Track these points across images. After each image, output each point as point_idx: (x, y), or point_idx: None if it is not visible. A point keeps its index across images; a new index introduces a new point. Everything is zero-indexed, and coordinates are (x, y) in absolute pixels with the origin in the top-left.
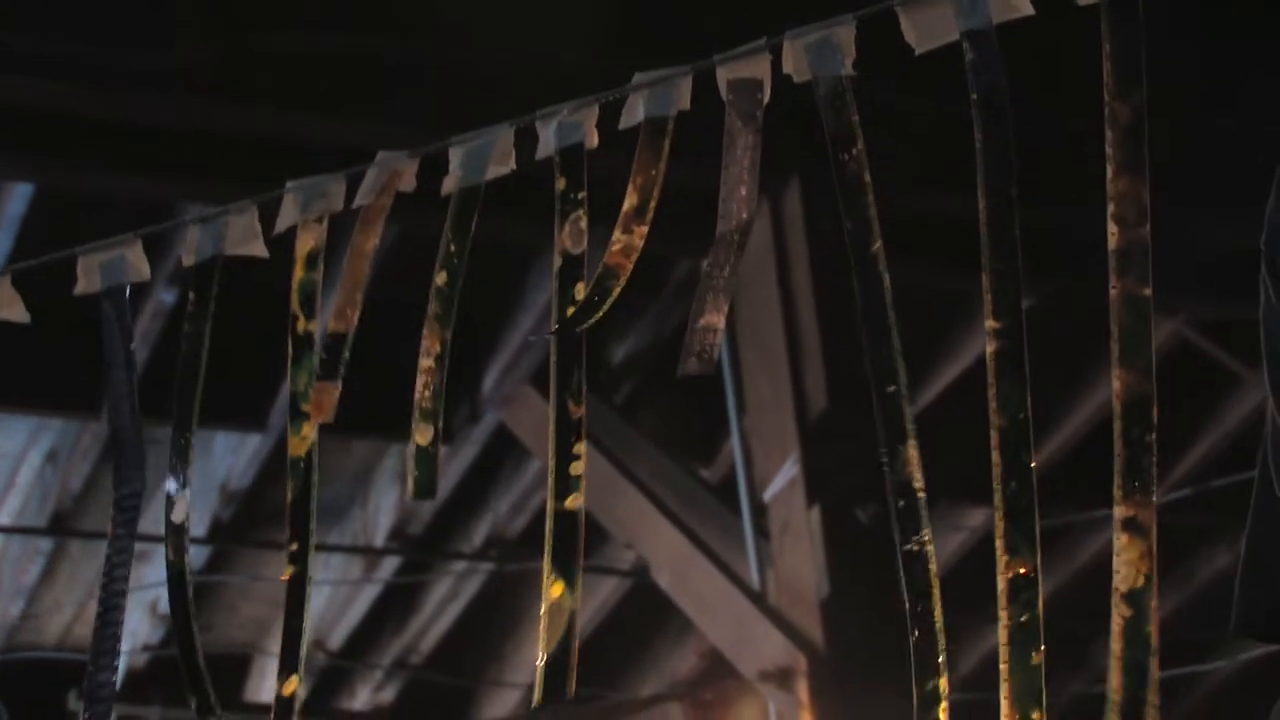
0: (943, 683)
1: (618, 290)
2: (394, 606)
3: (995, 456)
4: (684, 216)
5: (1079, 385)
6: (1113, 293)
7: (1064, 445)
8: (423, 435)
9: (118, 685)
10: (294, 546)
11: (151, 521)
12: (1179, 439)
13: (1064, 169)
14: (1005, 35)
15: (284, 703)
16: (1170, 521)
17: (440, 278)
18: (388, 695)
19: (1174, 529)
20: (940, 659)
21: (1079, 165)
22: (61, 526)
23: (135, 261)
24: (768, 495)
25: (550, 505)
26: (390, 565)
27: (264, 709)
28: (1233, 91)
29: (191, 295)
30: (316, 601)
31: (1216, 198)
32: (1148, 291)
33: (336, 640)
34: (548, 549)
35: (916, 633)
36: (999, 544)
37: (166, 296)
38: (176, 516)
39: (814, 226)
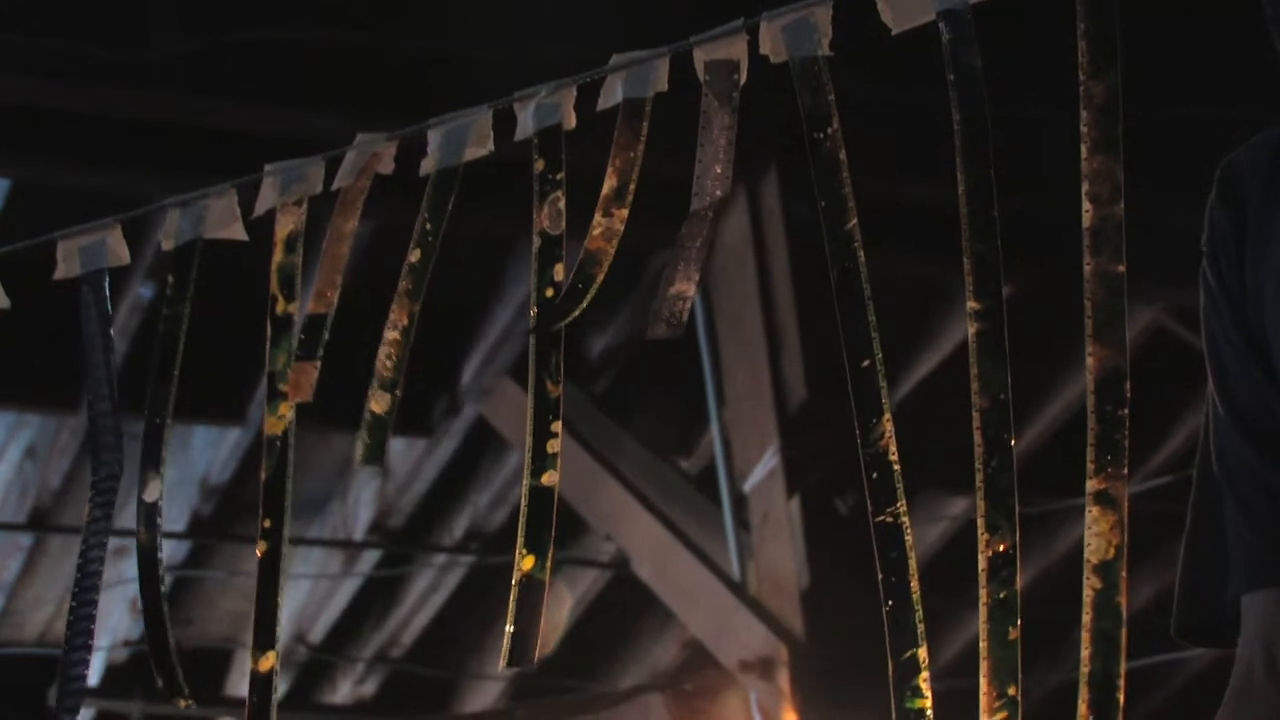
0: (922, 652)
1: (601, 276)
2: (374, 600)
3: (977, 436)
4: (662, 210)
5: (1056, 375)
6: (1086, 270)
7: (1041, 434)
8: (378, 404)
9: (97, 680)
10: (268, 523)
11: (131, 517)
12: (1158, 427)
13: (1040, 153)
14: (981, 16)
15: (261, 679)
16: (1148, 510)
17: (414, 255)
18: (369, 688)
19: (1152, 517)
20: (919, 629)
21: (1055, 148)
22: (41, 522)
23: (115, 246)
24: (747, 486)
25: (526, 482)
26: (370, 558)
27: (244, 703)
28: (1213, 79)
29: (170, 278)
30: (296, 595)
31: (1195, 186)
32: (1121, 268)
33: (317, 634)
34: (522, 523)
35: (890, 603)
36: (980, 522)
37: (144, 291)
38: (149, 495)
39: (792, 218)
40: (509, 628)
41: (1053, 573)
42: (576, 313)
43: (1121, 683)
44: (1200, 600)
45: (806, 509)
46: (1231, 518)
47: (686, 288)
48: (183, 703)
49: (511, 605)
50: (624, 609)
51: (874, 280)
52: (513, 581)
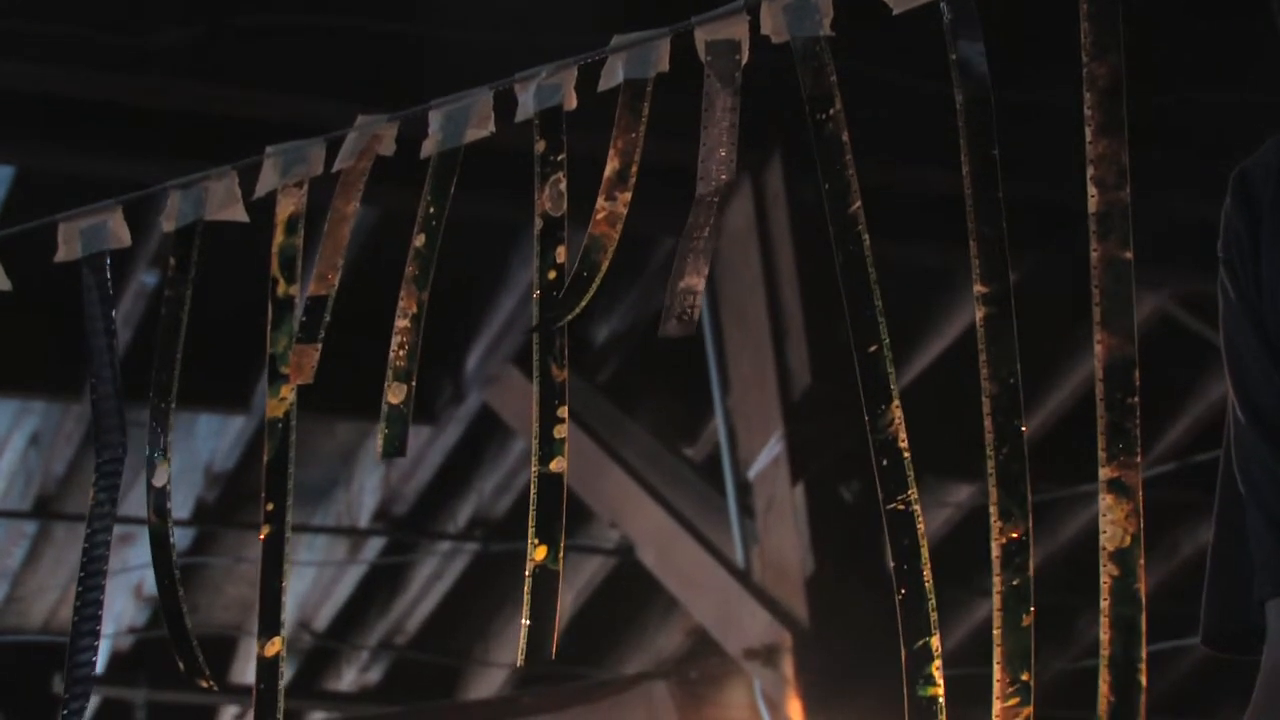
0: (934, 640)
1: (606, 264)
2: (379, 587)
3: (987, 423)
4: (666, 194)
5: (1062, 362)
6: (1093, 256)
7: (1047, 422)
8: (395, 395)
9: (101, 667)
10: (270, 506)
11: (134, 504)
12: (1163, 413)
13: (1045, 138)
14: None
15: (267, 664)
16: (1154, 496)
17: (419, 240)
18: (374, 676)
19: (1158, 503)
20: (932, 616)
21: (1060, 134)
22: (45, 509)
23: (116, 228)
24: (752, 473)
25: (534, 468)
26: (375, 546)
27: (250, 690)
28: (1217, 64)
29: (172, 261)
30: (301, 583)
31: (1201, 171)
32: (1129, 254)
33: (322, 621)
34: (532, 511)
35: (903, 591)
36: (992, 510)
37: (148, 279)
38: (158, 480)
39: (796, 203)
40: (525, 621)
41: (1059, 559)
42: (584, 303)
43: (1143, 666)
44: (1227, 607)
45: (811, 496)
46: (1254, 524)
47: (696, 282)
48: (204, 683)
49: (526, 598)
50: (628, 596)
51: (878, 266)
52: (525, 573)
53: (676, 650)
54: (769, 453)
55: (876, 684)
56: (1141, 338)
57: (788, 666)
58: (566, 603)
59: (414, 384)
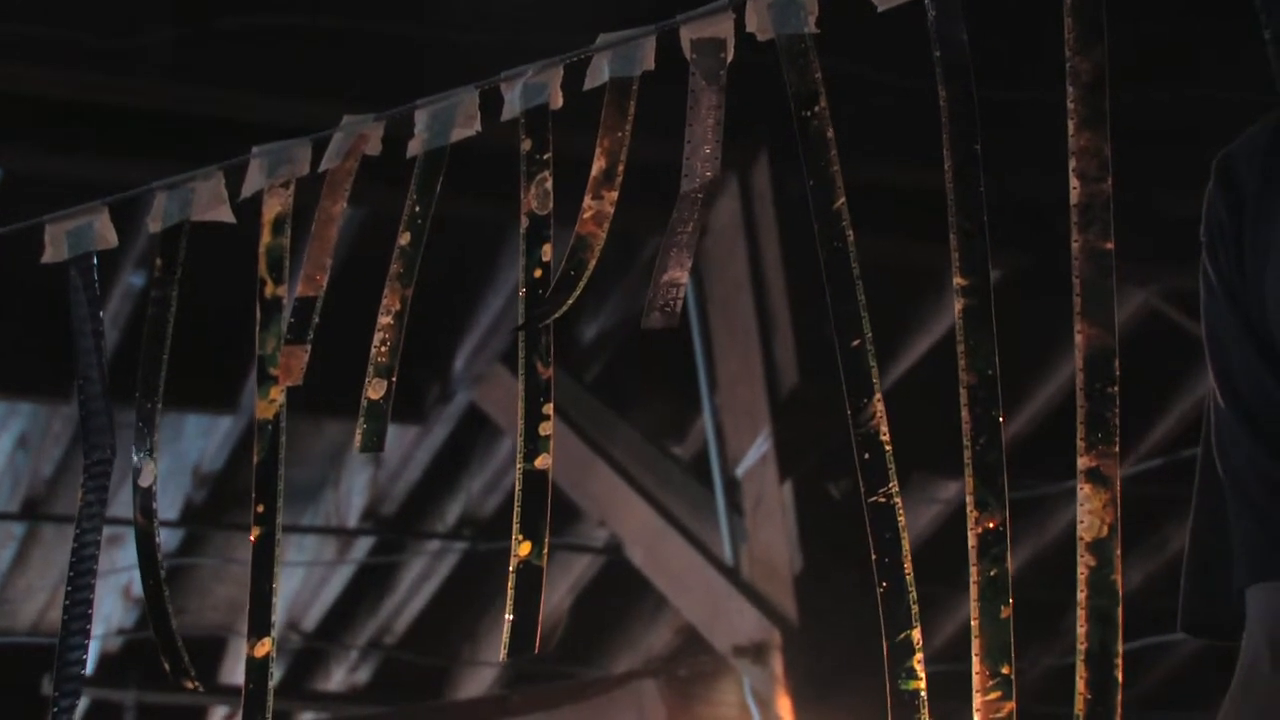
0: (916, 634)
1: (594, 262)
2: (368, 587)
3: (964, 413)
4: (653, 193)
5: (1048, 359)
6: (1074, 247)
7: (1033, 418)
8: (375, 390)
9: (90, 669)
10: (260, 509)
11: (123, 505)
12: (1150, 409)
13: (1030, 137)
14: None
15: (257, 664)
16: (1141, 491)
17: (404, 238)
18: (362, 676)
19: (1145, 499)
20: (912, 610)
21: (1045, 133)
22: (33, 511)
23: (102, 230)
24: (740, 471)
25: (519, 465)
26: (364, 546)
27: (240, 691)
28: (1201, 61)
29: (158, 262)
30: (290, 583)
31: (1186, 168)
32: (1110, 245)
33: (311, 621)
34: (517, 508)
35: (884, 584)
36: (969, 500)
37: (136, 280)
38: (144, 481)
39: (783, 201)
40: (508, 616)
41: (1047, 555)
42: (570, 301)
43: (1119, 661)
44: (1206, 595)
45: (799, 494)
46: (1234, 512)
47: (679, 275)
48: (190, 684)
49: (510, 593)
50: (617, 595)
51: (865, 264)
52: (510, 569)
53: (665, 648)
54: (757, 450)
55: (865, 681)
56: (1128, 333)
57: (777, 664)
58: (555, 601)
59: (394, 380)
